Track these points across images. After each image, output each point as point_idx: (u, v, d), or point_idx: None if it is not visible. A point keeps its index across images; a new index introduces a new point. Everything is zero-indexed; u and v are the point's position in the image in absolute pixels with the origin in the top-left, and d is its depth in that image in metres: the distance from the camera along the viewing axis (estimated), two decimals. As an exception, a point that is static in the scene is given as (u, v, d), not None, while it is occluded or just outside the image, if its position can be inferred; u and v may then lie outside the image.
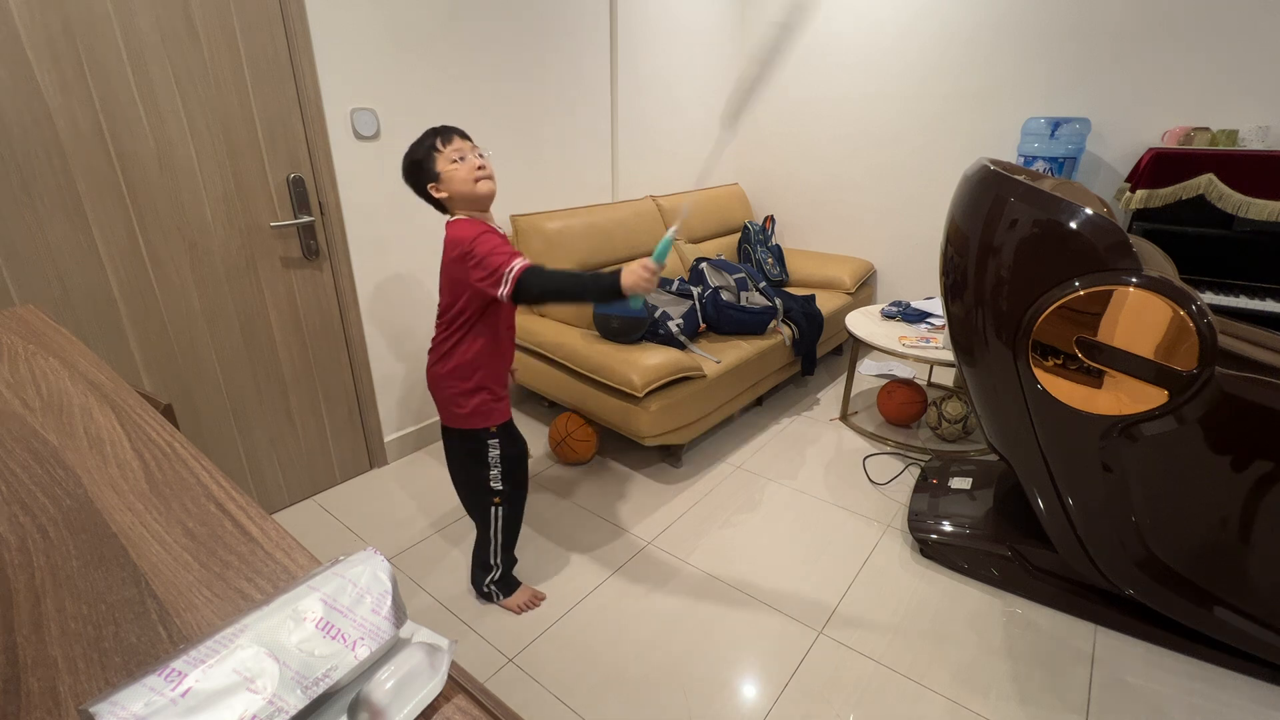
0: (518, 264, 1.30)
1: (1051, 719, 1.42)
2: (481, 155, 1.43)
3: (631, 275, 1.24)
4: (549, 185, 2.80)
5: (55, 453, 0.71)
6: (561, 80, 2.69)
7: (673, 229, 1.26)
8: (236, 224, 1.84)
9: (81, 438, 0.74)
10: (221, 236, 1.82)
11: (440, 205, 1.46)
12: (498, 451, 1.59)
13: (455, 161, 1.39)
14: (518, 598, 1.73)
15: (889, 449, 2.53)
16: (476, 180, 1.40)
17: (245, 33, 1.74)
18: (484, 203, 1.44)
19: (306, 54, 1.86)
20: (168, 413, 0.94)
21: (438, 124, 1.43)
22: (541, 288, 1.30)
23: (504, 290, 1.30)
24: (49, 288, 1.56)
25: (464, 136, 1.43)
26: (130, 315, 1.70)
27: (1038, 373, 1.48)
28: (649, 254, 1.28)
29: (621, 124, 3.04)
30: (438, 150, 1.39)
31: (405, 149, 1.44)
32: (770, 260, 3.38)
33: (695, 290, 2.61)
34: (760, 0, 3.49)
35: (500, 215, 2.60)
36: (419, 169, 1.41)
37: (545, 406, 2.86)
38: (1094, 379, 1.40)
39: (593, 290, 1.30)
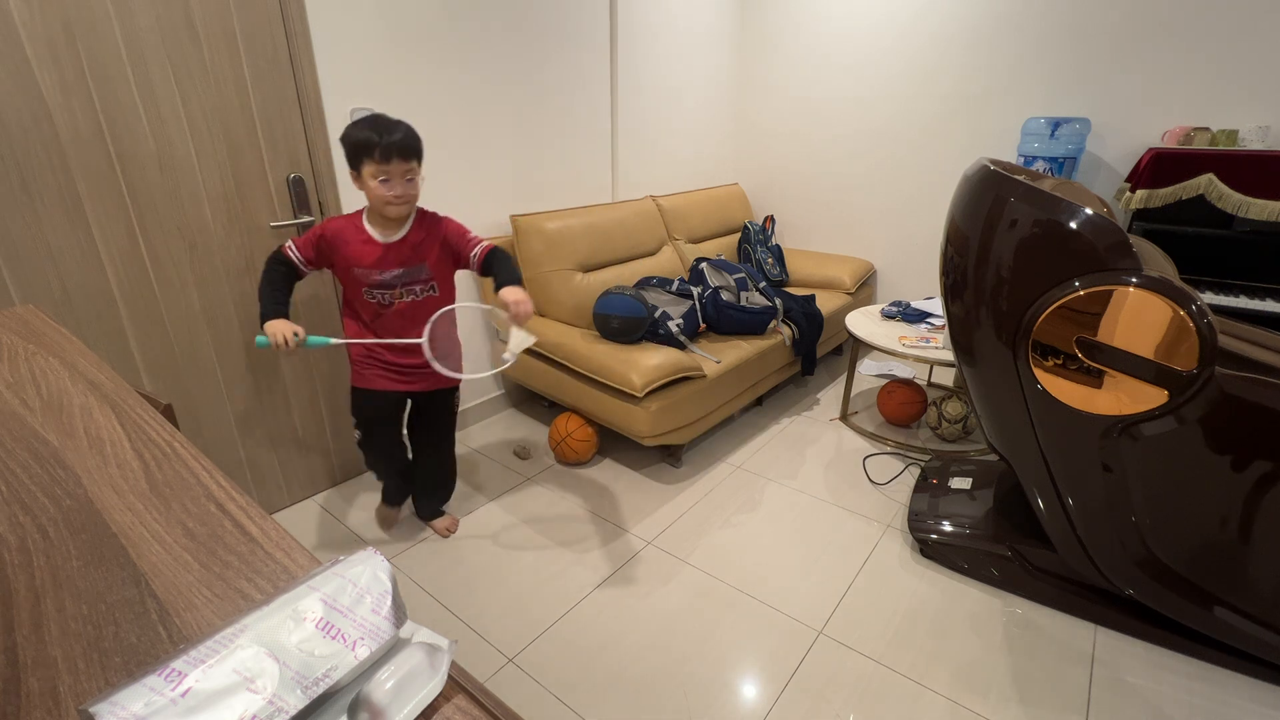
0: (283, 247, 1.57)
1: (1051, 719, 1.42)
2: (410, 181, 1.51)
3: (274, 331, 1.44)
4: (549, 185, 2.79)
5: (55, 453, 0.71)
6: (561, 80, 2.69)
7: (331, 340, 1.46)
8: (236, 224, 1.84)
9: (81, 438, 0.73)
10: (221, 236, 1.82)
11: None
12: (353, 403, 1.82)
13: (377, 180, 1.47)
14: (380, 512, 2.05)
15: (889, 449, 2.53)
16: (388, 204, 1.50)
17: (245, 32, 1.73)
18: (389, 218, 1.56)
19: (306, 54, 1.86)
20: (168, 413, 0.94)
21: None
22: (271, 267, 1.56)
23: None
24: (49, 288, 1.56)
25: (406, 157, 1.47)
26: (130, 315, 1.70)
27: (1038, 373, 1.48)
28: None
29: (621, 124, 3.04)
30: (370, 158, 1.45)
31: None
32: (770, 260, 3.38)
33: (695, 290, 2.61)
34: (759, 0, 3.49)
35: (500, 215, 2.60)
36: (351, 154, 1.48)
37: (545, 406, 2.86)
38: (1094, 379, 1.40)
39: (262, 299, 1.51)
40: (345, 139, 1.48)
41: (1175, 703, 1.45)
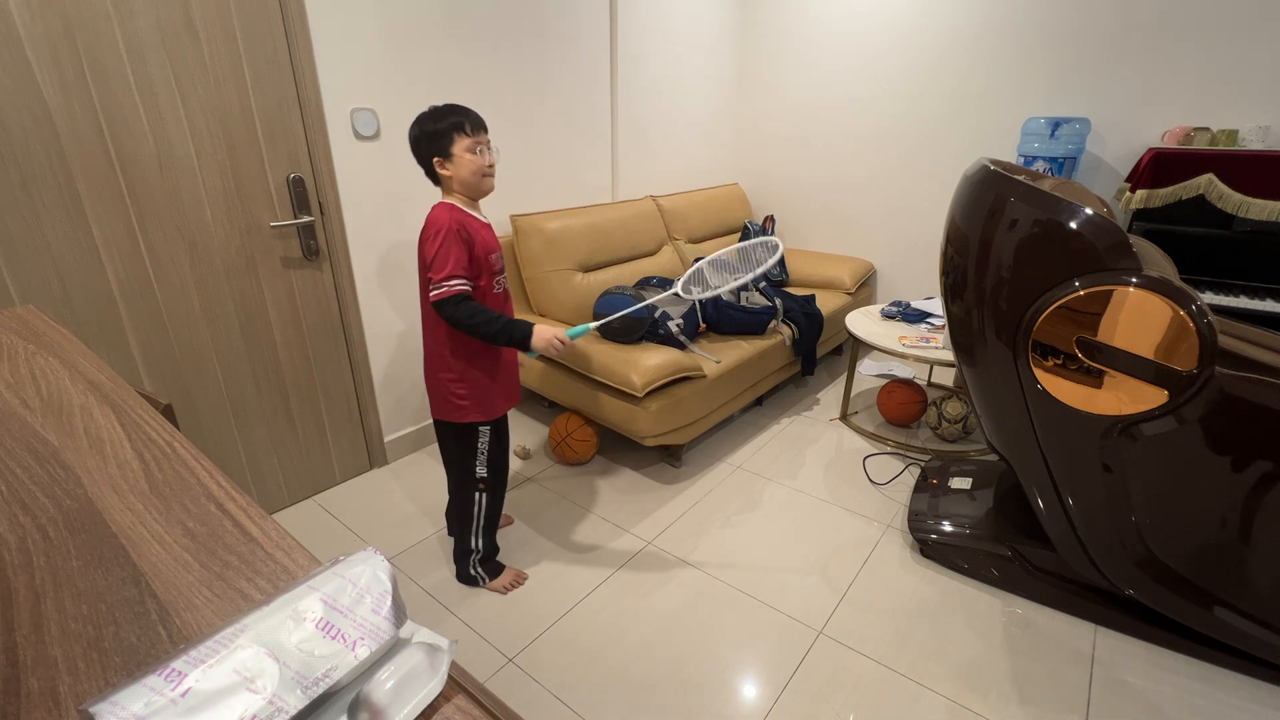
0: (456, 285, 1.42)
1: (1051, 719, 1.42)
2: (494, 153, 1.51)
3: (543, 339, 1.46)
4: (549, 185, 2.79)
5: (55, 453, 0.70)
6: (561, 80, 2.69)
7: (591, 325, 1.51)
8: (236, 224, 1.84)
9: (81, 438, 0.73)
10: (221, 236, 1.82)
11: (436, 179, 1.51)
12: (486, 440, 1.66)
13: (473, 152, 1.46)
14: (503, 579, 1.79)
15: (889, 449, 2.53)
16: (484, 176, 1.49)
17: (245, 32, 1.74)
18: (480, 196, 1.53)
19: (306, 54, 1.86)
20: (168, 413, 0.94)
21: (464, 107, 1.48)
22: (460, 315, 1.43)
23: (434, 295, 1.43)
24: (49, 288, 1.56)
25: (486, 130, 1.50)
26: (130, 315, 1.70)
27: (1038, 373, 1.48)
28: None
29: (621, 124, 3.04)
30: (462, 133, 1.44)
31: (404, 149, 1.46)
32: (770, 260, 3.37)
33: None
34: (760, 0, 3.49)
35: (500, 215, 2.60)
36: (434, 141, 1.45)
37: (545, 406, 2.86)
38: (1094, 379, 1.40)
39: (502, 336, 1.45)
40: (424, 132, 1.45)
41: (1175, 703, 1.45)
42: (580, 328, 1.48)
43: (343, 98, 1.98)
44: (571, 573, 1.86)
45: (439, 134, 1.44)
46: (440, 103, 1.48)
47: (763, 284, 2.79)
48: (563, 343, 1.46)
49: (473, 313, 1.43)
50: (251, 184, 1.84)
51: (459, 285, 1.43)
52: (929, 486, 2.10)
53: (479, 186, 1.50)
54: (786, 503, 2.20)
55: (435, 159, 1.47)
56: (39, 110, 1.47)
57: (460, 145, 1.45)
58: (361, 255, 2.15)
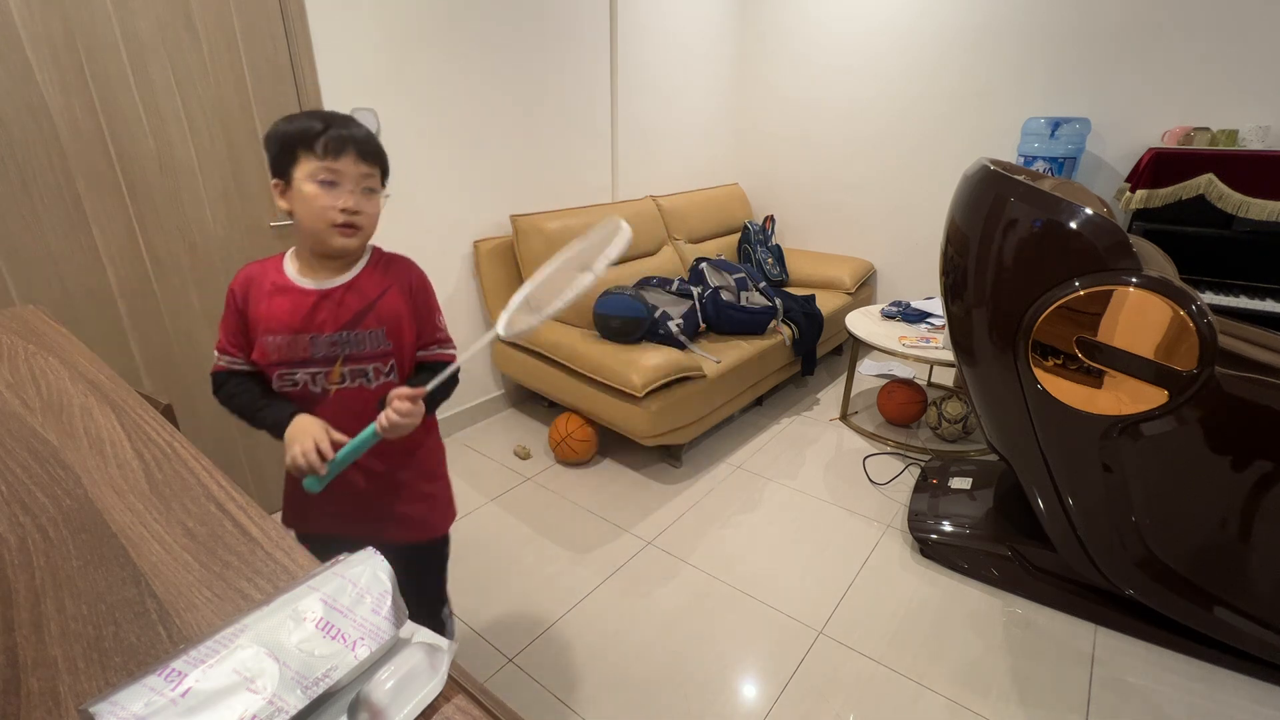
0: (218, 359, 1.07)
1: (1051, 719, 1.42)
2: (370, 195, 0.96)
3: (295, 433, 0.94)
4: (549, 185, 2.79)
5: (55, 453, 0.70)
6: (562, 81, 2.69)
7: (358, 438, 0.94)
8: (237, 224, 1.84)
9: (81, 438, 0.73)
10: (221, 236, 1.82)
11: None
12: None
13: (321, 184, 0.92)
14: None
15: (889, 449, 2.53)
16: (334, 227, 0.94)
17: (245, 33, 1.73)
18: (331, 252, 0.99)
19: (306, 54, 1.86)
20: (168, 413, 0.94)
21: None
22: (220, 397, 1.06)
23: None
24: (49, 288, 1.56)
25: (366, 157, 0.94)
26: (130, 315, 1.70)
27: (1038, 373, 1.48)
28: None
29: (621, 124, 3.03)
30: (309, 151, 0.92)
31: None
32: (770, 260, 3.38)
33: (695, 290, 2.61)
34: (760, 0, 3.49)
35: (500, 215, 2.60)
36: (278, 151, 0.94)
37: (545, 406, 2.86)
38: (1094, 379, 1.40)
39: (257, 420, 1.00)
40: (271, 136, 0.94)
41: (1175, 703, 1.45)
42: (341, 457, 0.92)
43: (343, 98, 1.98)
44: (571, 573, 1.86)
45: (285, 144, 0.93)
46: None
47: (763, 284, 2.79)
48: (324, 459, 0.90)
49: (230, 394, 1.04)
50: (251, 183, 1.84)
51: (220, 360, 1.06)
52: (929, 486, 2.10)
53: (325, 241, 0.95)
54: (786, 503, 2.20)
55: (275, 180, 0.96)
56: (39, 110, 1.47)
57: (303, 169, 0.92)
58: (361, 255, 2.14)
